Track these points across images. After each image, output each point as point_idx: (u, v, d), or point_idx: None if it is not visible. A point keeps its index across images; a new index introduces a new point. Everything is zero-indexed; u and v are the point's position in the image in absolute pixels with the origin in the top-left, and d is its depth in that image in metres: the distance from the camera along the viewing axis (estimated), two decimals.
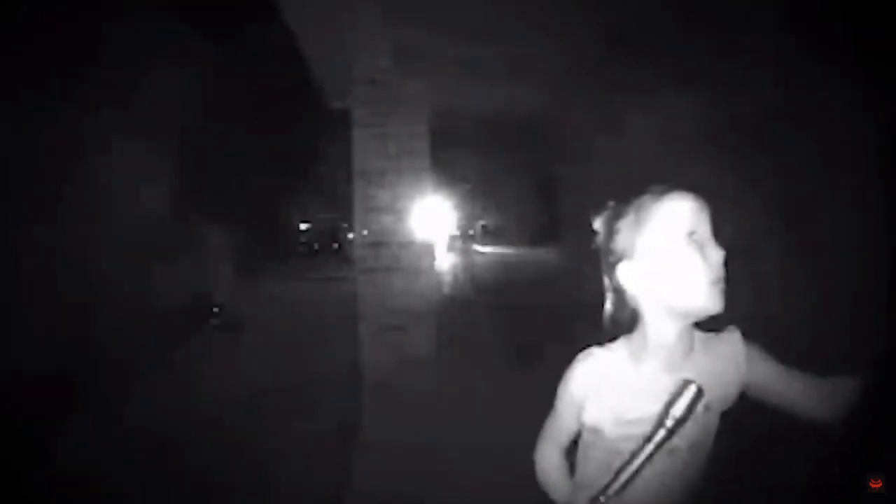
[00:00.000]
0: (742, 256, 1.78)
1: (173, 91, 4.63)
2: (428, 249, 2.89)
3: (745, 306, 1.75)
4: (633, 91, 2.53)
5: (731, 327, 0.79)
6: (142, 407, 2.86)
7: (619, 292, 0.75)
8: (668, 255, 0.69)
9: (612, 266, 0.74)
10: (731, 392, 0.76)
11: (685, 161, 2.12)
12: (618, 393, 0.73)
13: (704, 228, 0.69)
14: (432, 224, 2.92)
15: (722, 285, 0.69)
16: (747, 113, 1.71)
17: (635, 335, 0.75)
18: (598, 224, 0.78)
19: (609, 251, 0.75)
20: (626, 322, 0.75)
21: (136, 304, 3.80)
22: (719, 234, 0.70)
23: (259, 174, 8.83)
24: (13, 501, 2.05)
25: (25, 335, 2.70)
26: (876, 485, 0.99)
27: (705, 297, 0.68)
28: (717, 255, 0.69)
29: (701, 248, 0.68)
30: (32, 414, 2.53)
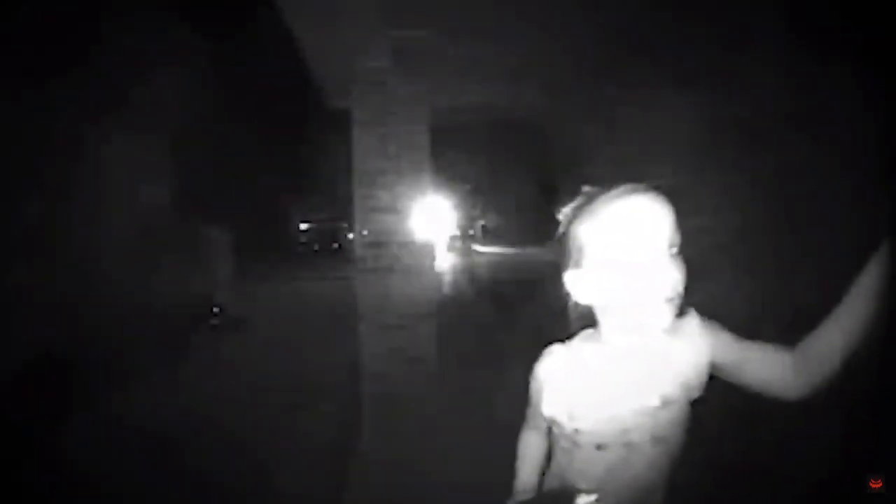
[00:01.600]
0: (741, 256, 1.78)
1: (173, 91, 4.63)
2: (428, 249, 2.89)
3: (745, 306, 1.75)
4: (633, 91, 2.53)
5: (689, 310, 0.75)
6: (142, 407, 2.86)
7: (577, 284, 0.74)
8: (619, 269, 0.65)
9: (567, 266, 0.73)
10: (696, 380, 0.74)
11: (685, 161, 2.12)
12: (570, 387, 0.73)
13: (664, 238, 0.65)
14: (432, 224, 2.93)
15: (676, 302, 0.66)
16: (747, 113, 1.71)
17: (594, 331, 0.75)
18: (562, 216, 0.75)
19: (567, 250, 0.73)
20: (587, 317, 0.75)
21: (136, 303, 3.80)
22: (682, 241, 0.67)
23: (259, 174, 8.84)
24: (13, 501, 2.05)
25: (25, 335, 2.70)
26: (876, 485, 0.99)
27: (654, 314, 0.65)
28: (674, 271, 0.65)
29: (658, 261, 0.64)
30: (32, 413, 2.53)
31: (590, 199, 0.71)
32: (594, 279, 0.69)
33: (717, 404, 1.85)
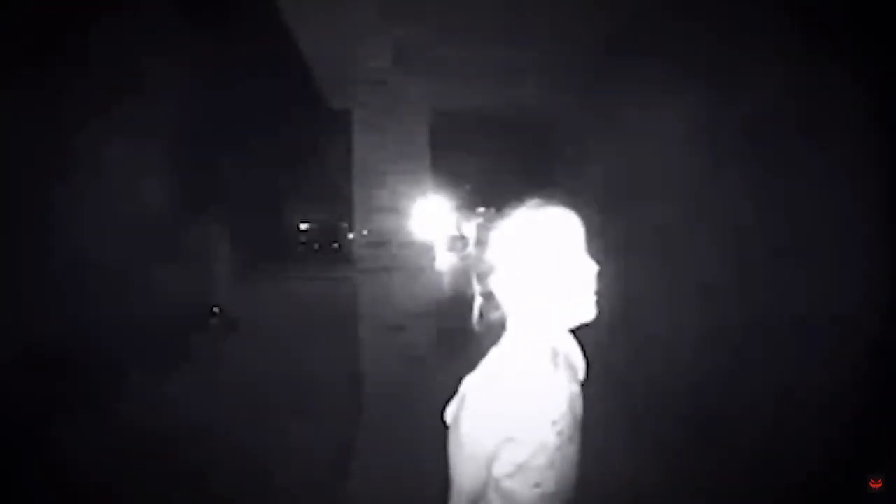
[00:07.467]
0: (743, 257, 1.78)
1: (174, 92, 4.63)
2: (428, 249, 2.89)
3: (746, 307, 1.75)
4: (632, 91, 2.53)
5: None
6: (141, 406, 2.86)
7: (488, 298, 0.75)
8: (541, 268, 0.70)
9: (485, 274, 0.74)
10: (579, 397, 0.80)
11: (684, 161, 2.12)
12: (506, 424, 0.70)
13: (578, 242, 0.71)
14: (432, 224, 2.92)
15: (594, 297, 0.70)
16: (748, 113, 1.71)
17: (504, 343, 0.75)
18: (467, 231, 0.78)
19: (480, 260, 0.75)
20: (495, 325, 0.75)
21: (137, 303, 3.80)
22: (592, 247, 0.72)
23: (259, 174, 8.83)
24: (14, 501, 2.05)
25: (25, 335, 2.70)
26: (876, 485, 0.99)
27: (580, 307, 0.70)
28: (590, 268, 0.70)
29: (575, 260, 0.70)
30: (32, 413, 2.53)
31: (492, 218, 0.75)
32: (518, 282, 0.72)
33: (717, 407, 1.85)
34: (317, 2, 2.36)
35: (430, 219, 2.89)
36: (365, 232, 2.86)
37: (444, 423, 0.75)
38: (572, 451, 0.75)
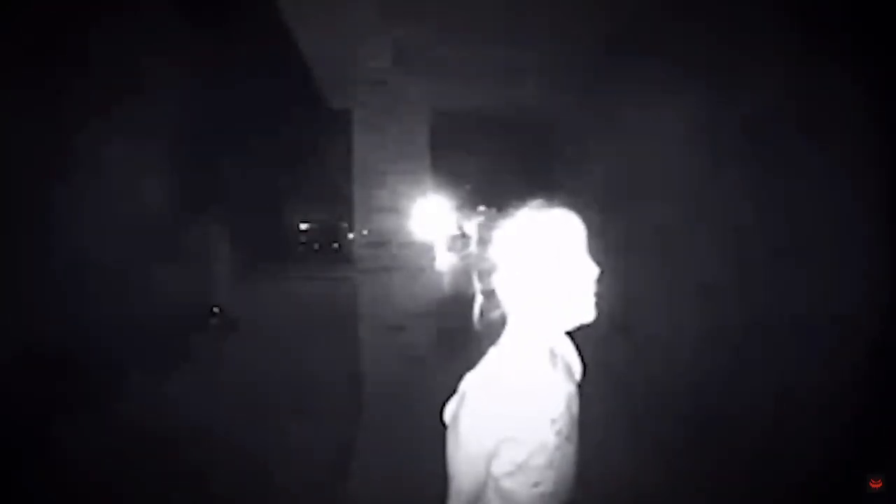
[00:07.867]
0: (743, 258, 1.78)
1: (174, 92, 4.63)
2: (428, 249, 2.89)
3: (746, 307, 1.75)
4: (632, 91, 2.53)
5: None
6: (142, 407, 2.86)
7: (489, 296, 0.75)
8: (543, 268, 0.70)
9: (486, 273, 0.74)
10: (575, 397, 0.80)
11: (684, 161, 2.12)
12: (503, 424, 0.70)
13: (580, 243, 0.71)
14: (432, 224, 2.92)
15: (594, 298, 0.71)
16: (748, 113, 1.71)
17: (504, 343, 0.75)
18: (468, 229, 0.78)
19: (482, 258, 0.75)
20: (495, 323, 0.75)
21: (137, 303, 3.80)
22: (593, 249, 0.73)
23: (259, 174, 8.83)
24: (13, 501, 2.05)
25: (25, 335, 2.70)
26: (876, 485, 0.99)
27: (579, 309, 0.70)
28: (591, 270, 0.70)
29: (576, 262, 0.70)
30: (32, 413, 2.53)
31: (495, 217, 0.75)
32: (520, 281, 0.72)
33: (717, 407, 1.85)
34: (317, 2, 2.36)
35: (430, 219, 2.89)
36: (365, 232, 2.86)
37: (442, 422, 0.74)
38: (571, 450, 0.75)
